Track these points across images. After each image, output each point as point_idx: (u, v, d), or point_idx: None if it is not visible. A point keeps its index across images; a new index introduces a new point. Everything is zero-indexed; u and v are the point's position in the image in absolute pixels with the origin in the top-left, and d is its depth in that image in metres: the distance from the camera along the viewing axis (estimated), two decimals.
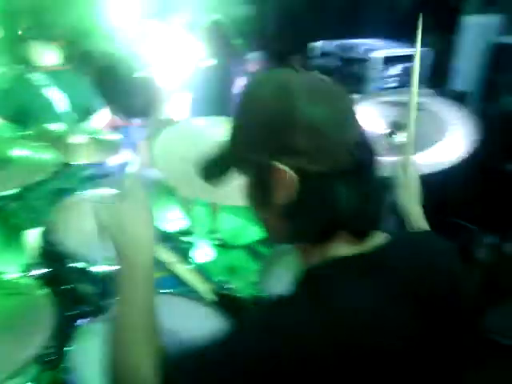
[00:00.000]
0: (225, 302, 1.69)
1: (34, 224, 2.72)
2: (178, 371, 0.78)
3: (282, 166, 0.77)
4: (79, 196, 1.72)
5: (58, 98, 2.66)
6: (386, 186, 0.85)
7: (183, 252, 2.04)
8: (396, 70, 2.76)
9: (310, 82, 0.80)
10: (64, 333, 1.42)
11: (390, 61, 2.71)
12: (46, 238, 1.53)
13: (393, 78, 2.76)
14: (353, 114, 0.80)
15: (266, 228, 0.88)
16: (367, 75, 2.68)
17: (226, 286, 1.84)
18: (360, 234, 0.82)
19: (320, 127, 0.76)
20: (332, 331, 0.74)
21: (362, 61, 2.68)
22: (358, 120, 0.81)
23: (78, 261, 1.48)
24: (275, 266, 1.79)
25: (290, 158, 0.77)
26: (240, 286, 2.02)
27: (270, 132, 0.78)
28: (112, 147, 1.79)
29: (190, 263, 1.93)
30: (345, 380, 0.73)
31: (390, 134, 1.83)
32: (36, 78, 2.64)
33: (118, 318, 0.83)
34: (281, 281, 1.72)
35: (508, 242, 2.67)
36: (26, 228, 2.79)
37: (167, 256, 1.90)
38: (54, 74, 2.70)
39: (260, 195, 0.83)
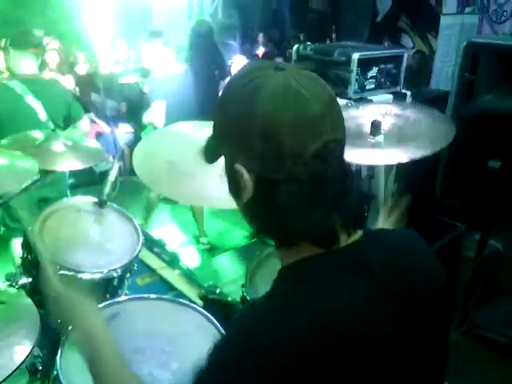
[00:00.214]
0: (213, 306, 1.69)
1: (19, 233, 2.71)
2: None
3: (239, 167, 0.79)
4: (60, 204, 1.71)
5: (37, 107, 2.65)
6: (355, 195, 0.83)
7: (171, 257, 2.04)
8: (372, 71, 2.79)
9: (286, 83, 0.78)
10: (52, 341, 1.41)
11: (366, 63, 2.74)
12: (27, 247, 1.52)
13: (369, 80, 2.79)
14: (324, 119, 0.78)
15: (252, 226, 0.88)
16: (344, 77, 2.70)
17: (213, 290, 1.84)
18: (322, 244, 0.82)
19: (276, 135, 0.76)
20: (307, 330, 0.74)
21: (339, 63, 2.71)
22: (333, 125, 0.79)
23: (60, 269, 1.46)
24: (262, 269, 1.80)
25: (247, 160, 0.79)
26: (227, 290, 2.02)
27: (231, 132, 0.80)
28: (94, 154, 1.79)
29: (177, 268, 1.92)
30: (326, 376, 0.74)
31: (371, 134, 1.86)
32: (16, 86, 2.62)
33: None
34: (268, 283, 1.72)
35: (493, 239, 2.71)
36: (12, 237, 2.78)
37: (155, 262, 1.89)
38: (32, 83, 2.68)
39: (230, 191, 0.85)
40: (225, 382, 0.75)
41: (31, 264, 1.51)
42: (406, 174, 2.76)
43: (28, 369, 1.91)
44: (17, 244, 2.80)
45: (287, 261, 0.85)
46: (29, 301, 1.19)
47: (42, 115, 2.67)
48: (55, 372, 1.28)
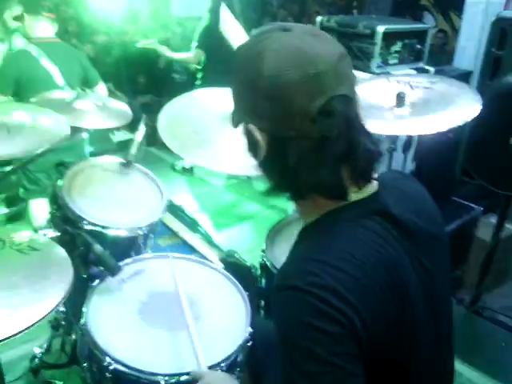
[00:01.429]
0: (232, 269, 1.72)
1: (37, 195, 2.78)
2: None
3: (252, 127, 0.84)
4: (87, 163, 1.74)
5: (53, 70, 2.66)
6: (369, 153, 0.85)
7: (191, 222, 2.07)
8: (397, 46, 2.76)
9: (289, 43, 0.80)
10: (78, 294, 1.46)
11: (390, 37, 2.70)
12: (56, 202, 1.55)
13: (393, 54, 2.76)
14: (329, 76, 0.79)
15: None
16: (367, 51, 2.67)
17: (232, 254, 1.87)
18: (333, 197, 0.85)
19: (282, 95, 0.79)
20: (332, 279, 0.77)
21: (363, 36, 2.67)
22: (339, 81, 0.80)
23: (88, 224, 1.50)
24: (282, 236, 1.82)
25: (258, 121, 0.83)
26: (247, 255, 2.06)
27: (242, 95, 0.85)
28: (121, 115, 1.80)
29: (197, 232, 1.96)
30: (359, 318, 0.76)
31: (396, 105, 1.86)
32: (32, 49, 2.64)
33: None
34: (287, 250, 1.75)
35: (510, 223, 2.70)
36: (30, 198, 2.83)
37: (176, 225, 1.93)
38: (48, 46, 2.70)
39: (248, 151, 0.89)
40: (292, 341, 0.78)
41: (59, 218, 1.54)
42: (424, 154, 2.75)
43: (51, 323, 1.98)
44: (35, 205, 2.86)
45: (309, 219, 0.90)
46: (61, 250, 1.21)
47: (59, 79, 2.69)
48: (83, 320, 1.32)
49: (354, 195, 0.86)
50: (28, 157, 2.64)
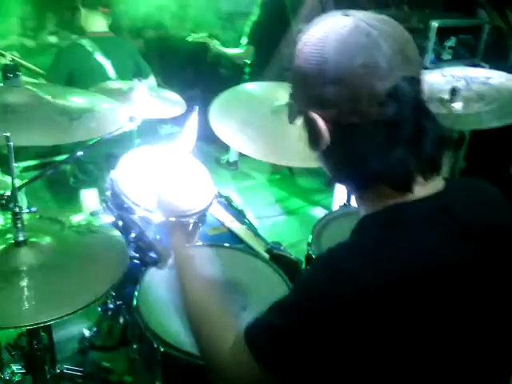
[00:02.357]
0: (278, 261, 1.73)
1: (87, 185, 2.87)
2: (259, 332, 0.84)
3: (315, 117, 0.82)
4: (139, 151, 1.79)
5: (106, 64, 2.73)
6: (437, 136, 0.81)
7: (238, 213, 2.09)
8: (451, 41, 2.69)
9: (353, 26, 0.79)
10: (128, 279, 1.50)
11: (444, 32, 2.63)
12: (111, 188, 1.60)
13: (447, 50, 2.69)
14: (395, 58, 0.77)
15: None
16: (420, 46, 2.62)
17: (278, 246, 1.88)
18: (399, 187, 0.82)
19: (348, 79, 0.77)
20: (389, 274, 0.75)
21: (416, 31, 2.62)
22: (406, 63, 0.78)
23: (141, 211, 1.54)
24: (329, 229, 1.81)
25: (322, 109, 0.81)
26: (290, 249, 2.07)
27: (305, 84, 0.83)
28: (176, 105, 1.84)
29: (245, 223, 1.98)
30: (404, 321, 0.75)
31: (449, 101, 1.82)
32: (87, 43, 2.71)
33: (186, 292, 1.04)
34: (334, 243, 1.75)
35: None
36: (80, 188, 2.94)
37: (224, 215, 1.95)
38: (102, 40, 2.77)
39: (309, 143, 0.87)
40: (307, 313, 0.77)
41: (113, 204, 1.60)
42: (476, 152, 2.67)
43: (100, 307, 2.04)
44: (86, 194, 2.96)
45: (370, 209, 0.87)
46: (117, 233, 1.26)
47: (111, 72, 2.76)
48: (134, 302, 1.36)
49: (420, 189, 0.82)
50: (81, 147, 2.75)
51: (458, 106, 1.81)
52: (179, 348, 1.25)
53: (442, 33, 2.61)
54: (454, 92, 1.81)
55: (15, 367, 1.67)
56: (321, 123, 0.82)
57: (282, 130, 1.67)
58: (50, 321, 0.99)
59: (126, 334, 1.92)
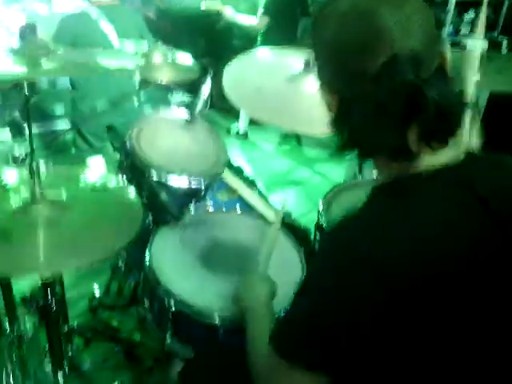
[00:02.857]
0: (288, 229, 1.74)
1: (89, 155, 2.88)
2: (283, 327, 0.87)
3: (324, 88, 0.87)
4: (154, 116, 1.79)
5: (111, 33, 2.71)
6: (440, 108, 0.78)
7: (249, 182, 2.10)
8: (469, 14, 2.64)
9: (354, 2, 0.79)
10: (140, 240, 1.52)
11: (463, 5, 2.58)
12: (125, 150, 1.62)
13: (465, 23, 2.64)
14: (393, 30, 0.75)
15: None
16: (438, 19, 2.57)
17: (289, 215, 1.90)
18: (399, 158, 0.82)
19: (342, 55, 0.79)
20: (403, 245, 0.76)
21: (434, 3, 2.57)
22: (405, 34, 0.76)
23: (154, 173, 1.55)
24: (340, 199, 1.82)
25: (325, 82, 0.86)
26: (301, 218, 2.09)
27: (314, 57, 0.87)
28: (188, 70, 1.84)
29: (256, 191, 1.99)
30: (418, 295, 0.75)
31: None
32: (92, 11, 2.69)
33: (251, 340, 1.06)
34: (344, 211, 1.76)
35: None
36: (83, 158, 2.95)
37: (235, 182, 1.96)
38: (107, 9, 2.76)
39: (327, 109, 0.90)
40: (321, 289, 0.80)
41: (127, 166, 1.61)
42: (490, 129, 2.62)
43: (111, 266, 2.09)
44: (92, 162, 2.97)
45: (381, 176, 0.89)
46: (132, 192, 1.27)
47: (115, 41, 2.74)
48: (147, 260, 1.39)
49: (429, 159, 0.82)
50: (83, 117, 2.77)
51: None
52: (190, 305, 1.28)
53: (461, 6, 2.56)
54: None
55: (28, 322, 1.72)
56: (327, 95, 0.87)
57: (295, 97, 1.67)
58: (64, 271, 1.01)
59: (135, 294, 1.96)
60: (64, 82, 3.28)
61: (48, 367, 1.51)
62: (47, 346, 1.75)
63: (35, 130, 3.69)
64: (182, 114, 1.79)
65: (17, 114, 3.11)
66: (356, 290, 0.75)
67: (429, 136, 0.80)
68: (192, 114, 1.71)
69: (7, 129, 3.29)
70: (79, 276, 2.30)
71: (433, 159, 0.82)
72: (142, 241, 1.51)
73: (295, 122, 1.69)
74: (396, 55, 0.75)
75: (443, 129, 0.81)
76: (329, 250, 0.84)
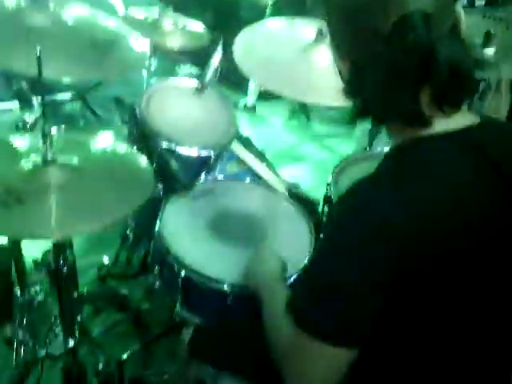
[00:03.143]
0: (296, 200, 1.74)
1: (97, 128, 2.87)
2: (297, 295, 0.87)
3: (335, 55, 0.87)
4: (163, 83, 1.77)
5: (117, 4, 2.67)
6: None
7: (257, 153, 2.10)
8: None
9: None
10: (149, 209, 1.53)
11: None
12: (134, 118, 1.61)
13: None
14: None
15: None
16: None
17: (297, 186, 1.89)
18: (413, 123, 0.81)
19: (353, 17, 0.79)
20: (415, 208, 0.76)
21: None
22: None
23: (164, 141, 1.55)
24: (350, 171, 1.81)
25: (337, 47, 0.86)
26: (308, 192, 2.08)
27: (327, 23, 0.87)
28: (199, 37, 1.82)
29: (264, 162, 1.98)
30: (423, 258, 0.76)
31: (482, 45, 1.76)
32: None
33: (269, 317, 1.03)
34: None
35: None
36: (91, 131, 2.94)
37: (244, 153, 1.96)
38: None
39: (340, 77, 0.90)
40: (333, 252, 0.80)
41: (136, 135, 1.61)
42: None
43: (120, 236, 2.10)
44: (100, 139, 2.96)
45: (394, 141, 0.88)
46: (143, 159, 1.27)
47: (121, 10, 2.70)
48: (157, 227, 1.40)
49: (442, 124, 0.81)
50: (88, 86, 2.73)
51: (490, 51, 1.76)
52: (200, 272, 1.29)
53: None
54: (487, 36, 1.76)
55: (38, 287, 1.74)
56: (339, 61, 0.87)
57: (306, 68, 1.66)
58: (74, 238, 1.02)
59: (145, 263, 1.98)
60: None
61: (59, 332, 1.53)
62: (58, 311, 1.79)
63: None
64: (192, 82, 1.77)
65: (24, 85, 3.09)
66: (369, 251, 0.75)
67: (441, 98, 0.80)
68: (202, 82, 1.69)
69: (15, 100, 3.30)
70: (88, 246, 2.32)
71: (445, 124, 0.82)
72: (151, 210, 1.51)
73: (306, 93, 1.68)
74: (407, 15, 0.74)
75: (456, 91, 0.80)
76: (341, 212, 0.84)
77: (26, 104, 2.95)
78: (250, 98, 4.22)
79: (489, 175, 0.81)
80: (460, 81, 0.79)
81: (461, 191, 0.79)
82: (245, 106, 4.29)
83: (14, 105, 3.18)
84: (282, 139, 3.94)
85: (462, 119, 0.83)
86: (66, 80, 3.68)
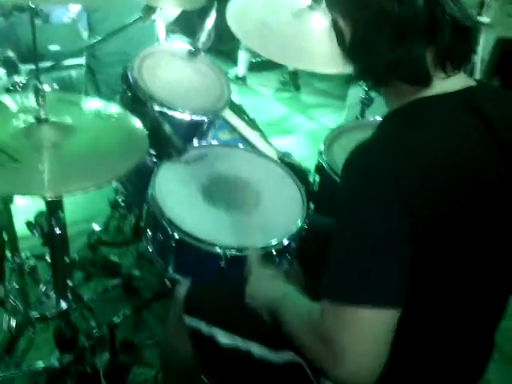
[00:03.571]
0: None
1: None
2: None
3: (336, 15, 0.86)
4: (156, 47, 1.75)
5: None
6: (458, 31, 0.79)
7: (249, 121, 2.09)
8: None
9: None
10: (140, 176, 1.52)
11: None
12: (127, 81, 1.58)
13: None
14: None
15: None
16: None
17: (288, 155, 1.89)
18: (415, 81, 0.82)
19: None
20: (419, 158, 0.77)
21: None
22: None
23: (157, 105, 1.53)
24: (342, 140, 1.82)
25: (340, 6, 0.85)
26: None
27: None
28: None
29: (256, 130, 1.98)
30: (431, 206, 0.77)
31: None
32: None
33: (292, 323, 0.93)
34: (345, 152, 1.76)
35: None
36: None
37: (236, 121, 1.95)
38: None
39: (337, 42, 0.89)
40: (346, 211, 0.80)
41: (129, 98, 1.59)
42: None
43: (110, 203, 2.09)
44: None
45: (393, 106, 0.88)
46: (136, 120, 1.25)
47: None
48: (150, 191, 1.40)
49: (441, 84, 0.82)
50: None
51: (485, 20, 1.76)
52: (193, 235, 1.30)
53: None
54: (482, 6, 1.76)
55: (29, 252, 1.74)
56: (341, 22, 0.85)
57: (301, 33, 1.64)
58: (68, 193, 1.01)
59: (136, 231, 1.98)
60: (82, 24, 3.16)
61: (51, 295, 1.53)
62: (51, 273, 1.79)
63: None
64: (185, 46, 1.75)
65: (11, 53, 3.03)
66: (384, 206, 0.76)
67: (445, 58, 0.81)
68: (195, 46, 1.67)
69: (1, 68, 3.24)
70: (78, 214, 2.31)
71: (444, 85, 0.83)
72: (142, 179, 1.51)
73: (299, 59, 1.67)
74: None
75: (459, 50, 0.82)
76: (349, 177, 0.82)
77: (14, 72, 2.89)
78: (241, 69, 4.19)
79: (484, 134, 0.82)
80: (463, 40, 0.80)
81: (460, 144, 0.80)
82: (235, 76, 4.25)
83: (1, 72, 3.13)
84: (271, 111, 3.93)
85: (459, 81, 0.85)
86: (55, 47, 3.62)
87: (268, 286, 1.07)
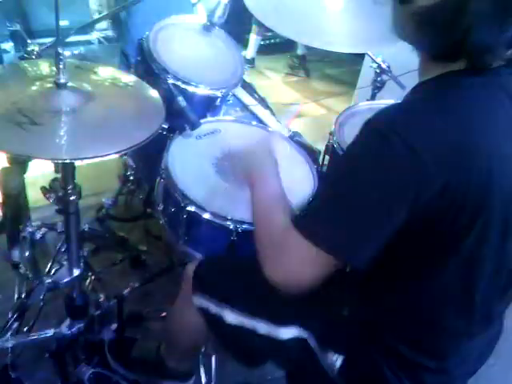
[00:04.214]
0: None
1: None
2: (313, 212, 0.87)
3: None
4: (171, 20, 1.74)
5: None
6: None
7: (260, 99, 2.09)
8: None
9: None
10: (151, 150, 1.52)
11: None
12: (142, 53, 1.58)
13: None
14: None
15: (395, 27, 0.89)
16: None
17: (298, 134, 1.90)
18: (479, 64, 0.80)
19: None
20: (448, 135, 0.76)
21: None
22: None
23: (171, 78, 1.53)
24: (354, 119, 1.82)
25: None
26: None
27: None
28: None
29: (268, 108, 1.98)
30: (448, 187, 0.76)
31: None
32: None
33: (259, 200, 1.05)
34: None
35: None
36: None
37: (248, 99, 1.95)
38: None
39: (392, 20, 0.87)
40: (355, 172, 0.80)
41: (143, 70, 1.59)
42: None
43: (119, 178, 2.10)
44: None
45: (429, 75, 0.86)
46: (152, 89, 1.26)
47: None
48: (163, 164, 1.40)
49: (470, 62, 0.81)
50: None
51: None
52: (204, 207, 1.31)
53: None
54: None
55: (35, 224, 1.75)
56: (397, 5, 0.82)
57: (317, 10, 1.63)
58: (86, 158, 1.02)
59: (145, 206, 2.00)
60: None
61: (63, 262, 1.55)
62: (60, 244, 1.81)
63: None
64: (201, 19, 1.74)
65: (18, 27, 3.02)
66: (393, 170, 0.76)
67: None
68: (211, 20, 1.67)
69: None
70: (87, 188, 2.31)
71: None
72: (152, 154, 1.51)
73: (314, 37, 1.66)
74: None
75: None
76: (367, 131, 0.81)
77: (21, 46, 2.88)
78: (250, 51, 4.16)
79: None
80: None
81: (488, 123, 0.80)
82: (244, 58, 4.23)
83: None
84: (280, 94, 3.92)
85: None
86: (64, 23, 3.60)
87: (267, 163, 1.14)
